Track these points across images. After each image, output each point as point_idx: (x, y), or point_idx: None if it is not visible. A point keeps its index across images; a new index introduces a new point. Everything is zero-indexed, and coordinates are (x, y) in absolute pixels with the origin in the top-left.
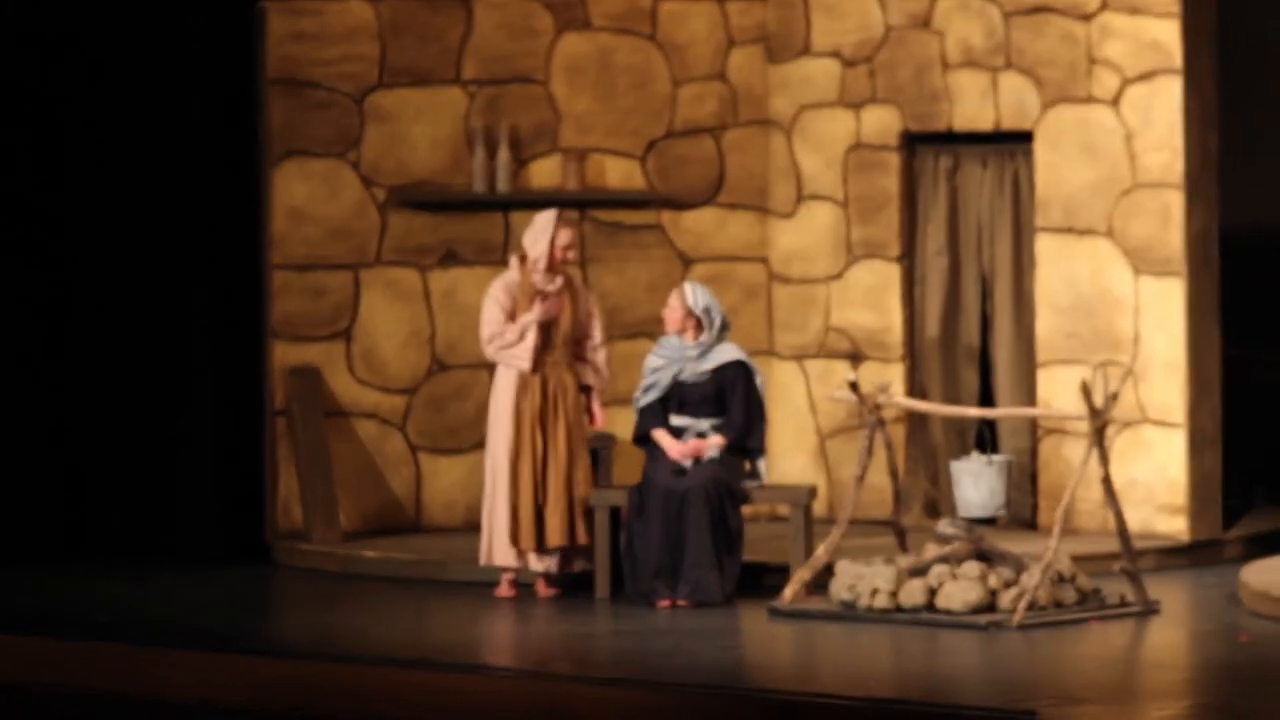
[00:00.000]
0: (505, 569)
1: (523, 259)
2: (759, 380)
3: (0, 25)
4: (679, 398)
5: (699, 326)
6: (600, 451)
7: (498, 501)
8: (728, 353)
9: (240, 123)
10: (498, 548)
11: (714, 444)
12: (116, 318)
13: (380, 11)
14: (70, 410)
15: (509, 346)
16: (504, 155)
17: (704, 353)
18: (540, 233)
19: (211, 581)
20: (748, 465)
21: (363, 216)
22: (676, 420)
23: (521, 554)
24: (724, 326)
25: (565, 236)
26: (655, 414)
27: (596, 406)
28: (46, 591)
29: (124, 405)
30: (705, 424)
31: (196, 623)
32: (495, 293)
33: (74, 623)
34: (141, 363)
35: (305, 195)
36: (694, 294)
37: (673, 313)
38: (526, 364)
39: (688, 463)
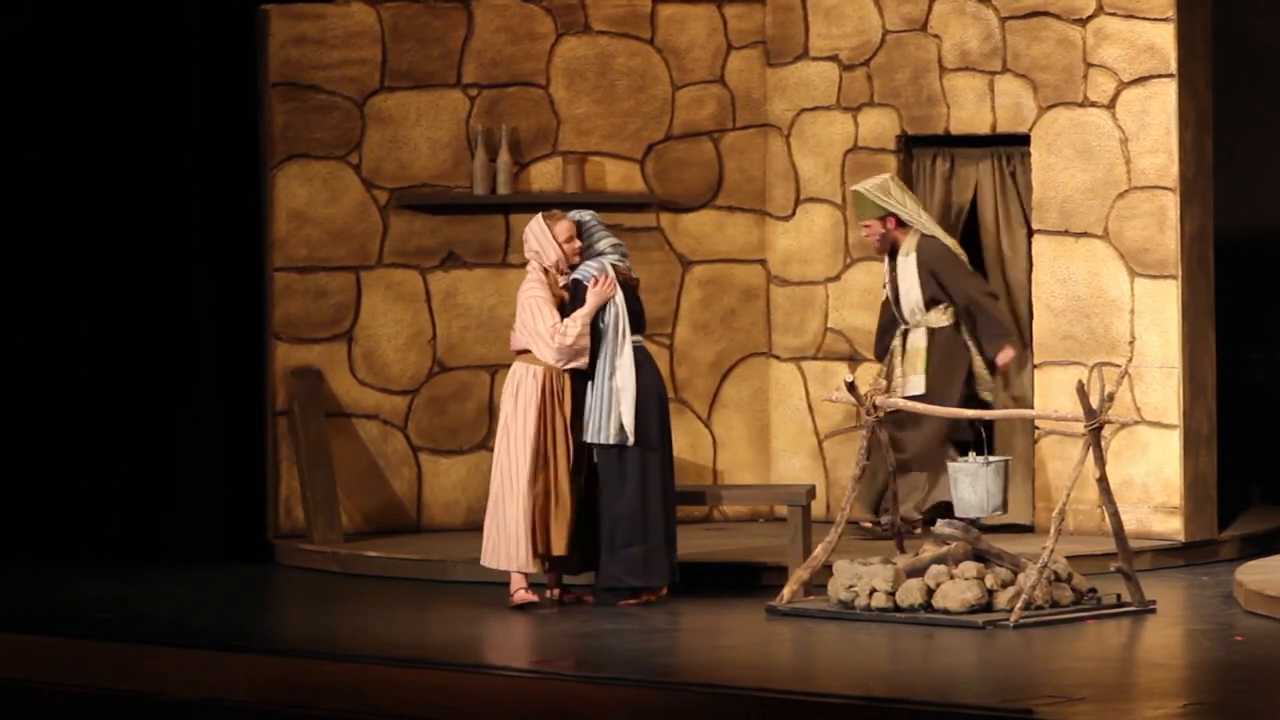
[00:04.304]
0: (518, 573)
1: (545, 270)
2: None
3: (2, 27)
4: None
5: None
6: None
7: (508, 507)
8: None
9: (242, 125)
10: (504, 552)
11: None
12: (118, 318)
13: (381, 15)
14: (72, 410)
15: (576, 342)
16: (504, 158)
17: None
18: (544, 241)
19: (212, 581)
20: None
21: (364, 219)
22: None
23: (529, 560)
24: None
25: (563, 230)
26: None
27: None
28: (46, 591)
29: (126, 405)
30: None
31: (197, 622)
32: (536, 291)
33: (74, 622)
34: (143, 363)
35: (307, 197)
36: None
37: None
38: (584, 359)
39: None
